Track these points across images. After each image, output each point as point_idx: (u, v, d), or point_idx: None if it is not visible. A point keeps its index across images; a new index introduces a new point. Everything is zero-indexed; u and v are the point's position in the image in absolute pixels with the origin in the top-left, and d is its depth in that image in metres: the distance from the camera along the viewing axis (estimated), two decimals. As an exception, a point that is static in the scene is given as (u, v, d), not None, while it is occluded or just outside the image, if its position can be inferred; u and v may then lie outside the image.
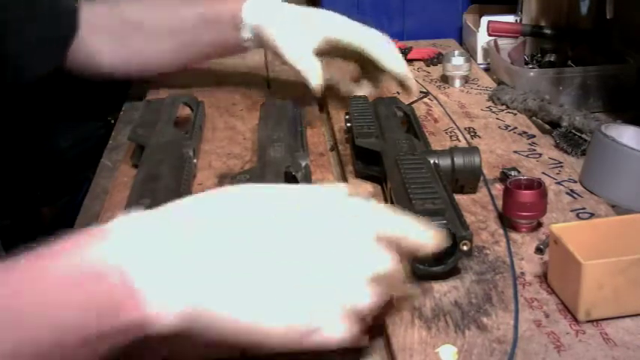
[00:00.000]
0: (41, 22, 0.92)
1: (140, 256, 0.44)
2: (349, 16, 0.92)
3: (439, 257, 0.58)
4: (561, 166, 0.80)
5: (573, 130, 0.86)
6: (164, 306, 0.44)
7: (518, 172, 0.77)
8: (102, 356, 0.44)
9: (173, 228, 0.46)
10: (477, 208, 0.72)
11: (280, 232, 0.48)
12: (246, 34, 0.93)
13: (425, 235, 0.51)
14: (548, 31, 1.08)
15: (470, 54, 1.13)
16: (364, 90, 0.96)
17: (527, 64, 1.08)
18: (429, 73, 1.11)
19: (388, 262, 0.49)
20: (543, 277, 0.60)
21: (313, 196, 0.51)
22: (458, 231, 0.58)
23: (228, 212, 0.48)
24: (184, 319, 0.44)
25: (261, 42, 0.93)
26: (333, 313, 0.47)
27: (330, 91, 0.99)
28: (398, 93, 0.97)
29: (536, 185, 0.67)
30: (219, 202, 0.49)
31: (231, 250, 0.46)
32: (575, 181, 0.77)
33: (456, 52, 1.06)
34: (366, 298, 0.48)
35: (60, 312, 0.42)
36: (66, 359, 0.43)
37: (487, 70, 1.12)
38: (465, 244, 0.58)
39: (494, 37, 1.10)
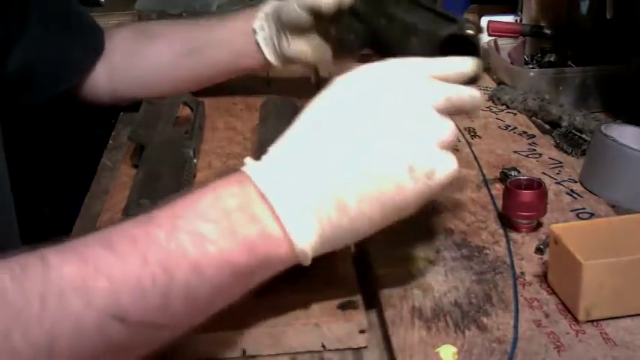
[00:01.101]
0: (67, 41, 0.92)
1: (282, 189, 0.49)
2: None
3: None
4: (561, 166, 0.80)
5: (573, 130, 0.86)
6: (307, 237, 0.48)
7: (518, 172, 0.77)
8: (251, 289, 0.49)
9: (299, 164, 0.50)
10: (477, 208, 0.72)
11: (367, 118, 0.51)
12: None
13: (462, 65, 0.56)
14: (548, 31, 1.08)
15: (470, 54, 1.13)
16: None
17: (527, 64, 1.08)
18: (429, 73, 1.11)
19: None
20: (543, 277, 0.60)
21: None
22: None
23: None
24: (325, 240, 0.49)
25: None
26: (434, 151, 0.51)
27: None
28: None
29: (536, 185, 0.67)
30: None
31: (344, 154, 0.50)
32: (575, 181, 0.77)
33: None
34: (447, 129, 0.52)
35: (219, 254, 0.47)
36: (223, 295, 0.48)
37: (487, 70, 1.12)
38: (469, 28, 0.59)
39: (494, 37, 1.10)
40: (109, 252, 0.45)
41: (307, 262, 0.49)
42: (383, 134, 0.50)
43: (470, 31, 0.59)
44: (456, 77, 0.55)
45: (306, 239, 0.48)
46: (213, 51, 0.95)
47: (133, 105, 0.96)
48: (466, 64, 0.55)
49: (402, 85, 0.52)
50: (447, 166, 0.51)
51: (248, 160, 0.51)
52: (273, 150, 0.52)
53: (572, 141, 0.85)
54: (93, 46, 0.95)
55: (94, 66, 0.95)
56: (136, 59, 0.97)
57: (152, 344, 0.47)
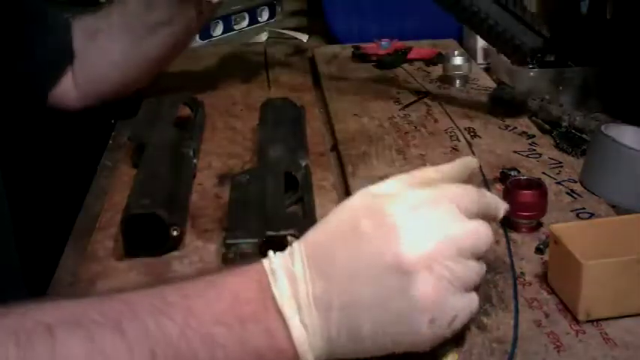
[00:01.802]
0: (51, 40, 0.91)
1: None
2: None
3: None
4: (561, 166, 0.80)
5: (573, 130, 0.86)
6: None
7: (518, 172, 0.77)
8: None
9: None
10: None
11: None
12: None
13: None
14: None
15: (470, 54, 1.13)
16: None
17: (527, 64, 1.08)
18: (429, 73, 1.11)
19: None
20: (543, 277, 0.60)
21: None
22: None
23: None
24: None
25: None
26: (458, 300, 0.48)
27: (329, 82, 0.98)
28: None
29: (536, 185, 0.67)
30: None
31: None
32: (575, 181, 0.77)
33: (456, 52, 1.06)
34: (474, 270, 0.49)
35: None
36: None
37: (487, 70, 1.12)
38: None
39: (494, 37, 1.10)
40: (119, 337, 0.44)
41: None
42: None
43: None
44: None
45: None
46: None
47: (129, 109, 0.95)
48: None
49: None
50: (469, 309, 0.49)
51: (271, 255, 0.50)
52: (303, 243, 0.50)
53: (572, 141, 0.85)
54: (64, 48, 0.93)
55: (61, 76, 0.93)
56: (88, 58, 0.95)
57: None
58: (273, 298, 0.47)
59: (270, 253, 0.49)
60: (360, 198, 0.51)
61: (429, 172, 0.54)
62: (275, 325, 0.47)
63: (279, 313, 0.47)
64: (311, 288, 0.47)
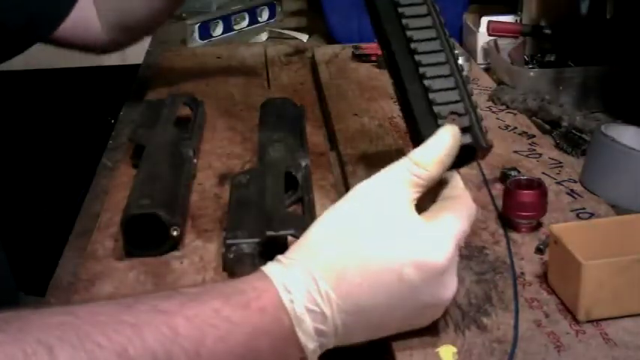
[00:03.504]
0: None
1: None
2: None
3: None
4: (561, 166, 0.80)
5: (573, 130, 0.86)
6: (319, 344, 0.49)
7: (519, 172, 0.77)
8: None
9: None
10: (477, 208, 0.72)
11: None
12: None
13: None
14: (548, 31, 1.08)
15: (470, 54, 1.13)
16: None
17: (527, 64, 1.08)
18: (429, 73, 1.11)
19: None
20: (543, 277, 0.60)
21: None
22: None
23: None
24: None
25: None
26: None
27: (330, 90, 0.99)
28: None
29: (536, 185, 0.67)
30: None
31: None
32: (575, 181, 0.77)
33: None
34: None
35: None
36: None
37: (487, 70, 1.12)
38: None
39: (494, 37, 1.10)
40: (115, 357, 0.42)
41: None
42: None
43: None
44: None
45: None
46: None
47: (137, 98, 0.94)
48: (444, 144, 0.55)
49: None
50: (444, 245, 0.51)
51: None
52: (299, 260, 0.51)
53: (572, 141, 0.85)
54: None
55: (69, 11, 0.91)
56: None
57: None
58: (294, 333, 0.48)
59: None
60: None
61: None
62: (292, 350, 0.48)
63: (295, 336, 0.48)
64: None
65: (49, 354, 0.40)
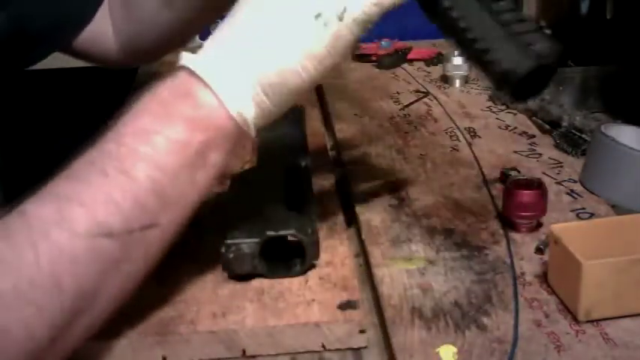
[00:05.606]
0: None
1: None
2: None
3: None
4: (561, 166, 0.80)
5: (573, 130, 0.86)
6: (240, 102, 0.50)
7: (518, 172, 0.77)
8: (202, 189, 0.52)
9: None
10: (477, 208, 0.72)
11: None
12: None
13: None
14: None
15: (470, 54, 1.13)
16: None
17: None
18: (429, 73, 1.11)
19: None
20: (543, 277, 0.60)
21: None
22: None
23: None
24: (261, 101, 0.51)
25: None
26: None
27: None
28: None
29: (536, 185, 0.67)
30: None
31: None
32: (575, 181, 0.77)
33: (456, 52, 1.06)
34: None
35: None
36: (187, 181, 0.50)
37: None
38: None
39: (494, 37, 1.10)
40: (75, 181, 0.48)
41: (252, 131, 0.51)
42: None
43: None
44: None
45: (240, 103, 0.50)
46: None
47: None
48: None
49: None
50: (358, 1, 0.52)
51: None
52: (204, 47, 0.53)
53: (572, 141, 0.85)
54: None
55: (92, 17, 0.88)
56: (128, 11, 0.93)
57: (150, 250, 0.50)
58: (184, 67, 0.50)
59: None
60: None
61: None
62: (190, 85, 0.50)
63: (192, 75, 0.50)
64: (216, 49, 0.51)
65: (18, 212, 0.46)
